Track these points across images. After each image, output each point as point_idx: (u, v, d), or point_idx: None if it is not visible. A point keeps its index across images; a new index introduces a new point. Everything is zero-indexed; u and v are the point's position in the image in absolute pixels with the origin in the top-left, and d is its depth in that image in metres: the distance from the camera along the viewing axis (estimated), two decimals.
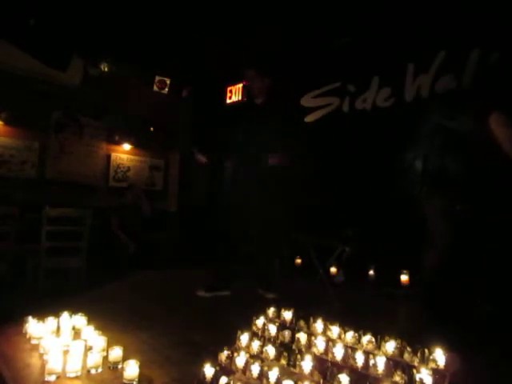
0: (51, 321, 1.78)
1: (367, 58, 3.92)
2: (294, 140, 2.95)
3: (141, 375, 1.40)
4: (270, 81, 2.83)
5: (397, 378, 1.43)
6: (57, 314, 1.83)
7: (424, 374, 1.37)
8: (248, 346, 1.63)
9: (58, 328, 1.77)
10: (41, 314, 1.82)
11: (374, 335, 1.67)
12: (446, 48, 3.38)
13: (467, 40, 3.23)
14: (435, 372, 1.45)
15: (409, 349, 1.58)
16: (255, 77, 2.80)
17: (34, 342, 1.71)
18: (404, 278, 3.24)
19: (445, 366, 1.51)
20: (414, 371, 1.41)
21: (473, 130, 2.19)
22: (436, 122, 2.40)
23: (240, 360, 1.45)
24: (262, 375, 1.36)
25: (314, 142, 4.24)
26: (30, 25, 3.95)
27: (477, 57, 3.18)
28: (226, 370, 1.44)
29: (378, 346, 1.64)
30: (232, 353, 1.51)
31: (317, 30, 3.96)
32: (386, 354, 1.55)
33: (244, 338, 1.66)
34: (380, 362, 1.47)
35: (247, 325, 1.83)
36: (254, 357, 1.52)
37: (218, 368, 1.38)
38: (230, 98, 5.37)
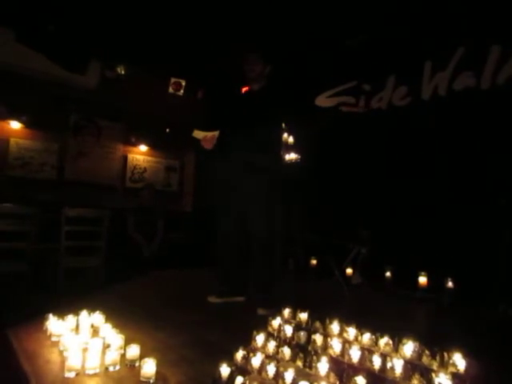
0: (71, 318, 1.81)
1: (383, 56, 3.87)
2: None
3: (157, 373, 1.41)
4: (271, 68, 2.65)
5: (415, 382, 1.40)
6: (76, 312, 1.86)
7: (443, 378, 1.34)
8: (264, 347, 1.62)
9: (77, 326, 1.80)
10: (61, 312, 1.86)
11: (392, 337, 1.64)
12: (465, 45, 3.31)
13: (487, 36, 3.15)
14: (455, 376, 1.41)
15: (427, 352, 1.54)
16: (257, 61, 2.61)
17: (54, 339, 1.74)
18: (422, 280, 3.18)
19: (465, 370, 1.48)
20: (433, 375, 1.38)
21: None
22: None
23: (256, 360, 1.45)
24: (278, 376, 1.36)
25: (326, 141, 4.22)
26: (49, 31, 4.06)
27: (497, 54, 3.10)
28: (242, 369, 1.44)
29: (396, 349, 1.61)
30: (248, 353, 1.51)
31: (332, 28, 3.93)
32: (403, 357, 1.52)
33: (260, 338, 1.66)
34: (397, 365, 1.44)
35: (262, 325, 1.83)
36: (269, 357, 1.52)
37: (233, 368, 1.38)
38: None
